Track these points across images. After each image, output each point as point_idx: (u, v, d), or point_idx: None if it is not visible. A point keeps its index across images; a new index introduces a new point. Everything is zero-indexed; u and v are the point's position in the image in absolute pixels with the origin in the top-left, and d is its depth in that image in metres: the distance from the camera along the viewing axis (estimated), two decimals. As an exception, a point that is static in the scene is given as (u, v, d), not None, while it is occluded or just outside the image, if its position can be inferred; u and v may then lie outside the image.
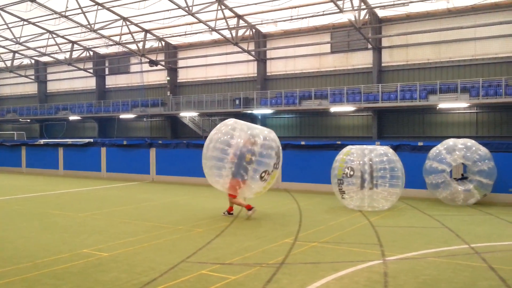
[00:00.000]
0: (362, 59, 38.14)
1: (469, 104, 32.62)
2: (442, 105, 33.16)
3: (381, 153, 12.17)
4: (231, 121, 11.28)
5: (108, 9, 38.71)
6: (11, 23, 43.20)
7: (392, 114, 36.94)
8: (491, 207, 12.72)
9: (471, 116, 34.49)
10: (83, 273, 6.73)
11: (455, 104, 32.98)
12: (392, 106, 34.88)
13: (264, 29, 40.96)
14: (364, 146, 12.60)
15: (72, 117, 51.28)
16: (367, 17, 35.05)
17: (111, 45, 46.40)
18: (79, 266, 7.07)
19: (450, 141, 13.42)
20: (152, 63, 45.48)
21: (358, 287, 6.14)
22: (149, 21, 40.87)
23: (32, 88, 58.59)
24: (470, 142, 13.26)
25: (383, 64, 37.32)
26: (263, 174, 10.60)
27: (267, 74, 42.65)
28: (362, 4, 33.65)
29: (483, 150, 12.96)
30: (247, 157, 10.53)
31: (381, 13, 35.81)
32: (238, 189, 10.79)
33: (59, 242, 8.71)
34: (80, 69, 51.68)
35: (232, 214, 11.34)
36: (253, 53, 41.77)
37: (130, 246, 8.31)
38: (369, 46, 36.98)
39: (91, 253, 7.85)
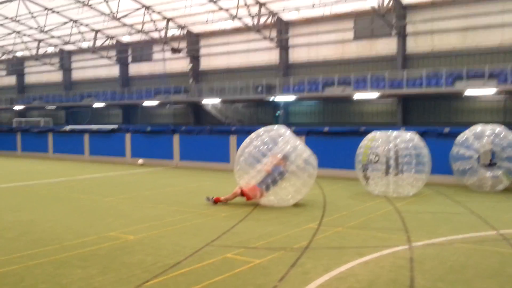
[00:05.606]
0: (386, 46, 37.47)
1: (497, 90, 31.87)
2: (468, 92, 32.48)
3: (407, 139, 12.00)
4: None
5: (131, -3, 38.85)
6: (35, 12, 43.71)
7: (417, 100, 36.31)
8: (519, 194, 12.45)
9: (498, 102, 33.71)
10: (110, 256, 6.83)
11: (482, 91, 32.25)
12: (417, 93, 34.29)
13: (286, 16, 40.56)
14: (390, 132, 12.43)
15: (96, 104, 51.86)
16: (390, 3, 34.38)
17: (133, 33, 46.60)
18: (105, 249, 7.17)
19: (478, 127, 13.16)
20: (175, 51, 45.55)
21: (384, 272, 6.08)
22: (171, 9, 40.90)
23: (57, 76, 59.31)
24: (498, 128, 12.98)
25: (407, 51, 36.63)
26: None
27: (290, 61, 42.30)
28: (386, -11, 33.05)
29: (512, 136, 12.68)
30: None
31: (405, -1, 35.11)
32: (255, 197, 10.77)
33: (86, 225, 8.84)
34: (104, 57, 52.10)
35: (214, 203, 10.89)
36: (275, 40, 41.48)
37: (155, 230, 8.39)
38: (393, 32, 36.32)
39: (117, 236, 7.96)
